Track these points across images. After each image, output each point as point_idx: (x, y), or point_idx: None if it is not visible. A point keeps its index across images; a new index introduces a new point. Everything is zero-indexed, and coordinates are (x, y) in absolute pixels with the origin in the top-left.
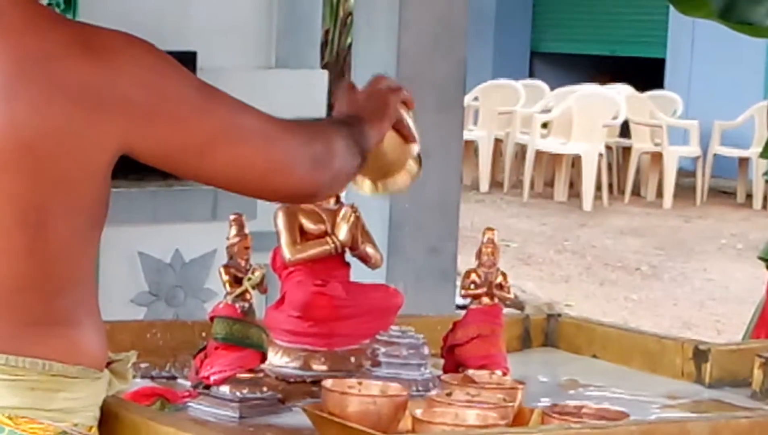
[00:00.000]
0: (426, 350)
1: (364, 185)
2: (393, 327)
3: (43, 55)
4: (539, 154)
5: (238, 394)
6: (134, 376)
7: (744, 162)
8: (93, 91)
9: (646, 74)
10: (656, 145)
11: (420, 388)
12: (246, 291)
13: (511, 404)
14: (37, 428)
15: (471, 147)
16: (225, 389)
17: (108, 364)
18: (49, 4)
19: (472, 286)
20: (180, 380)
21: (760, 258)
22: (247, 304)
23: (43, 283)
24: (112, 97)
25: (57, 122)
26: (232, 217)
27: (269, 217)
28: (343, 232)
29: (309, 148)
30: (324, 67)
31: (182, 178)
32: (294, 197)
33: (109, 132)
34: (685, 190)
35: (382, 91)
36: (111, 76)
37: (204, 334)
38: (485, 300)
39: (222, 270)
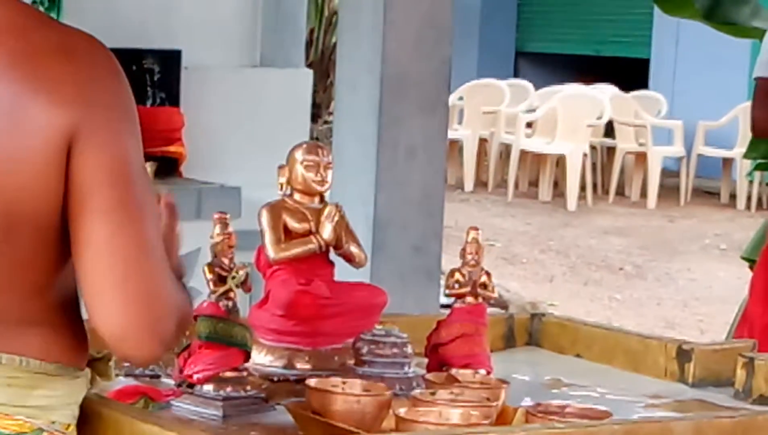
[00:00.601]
0: (410, 349)
1: None
2: (377, 326)
3: (23, 56)
4: (524, 153)
5: (221, 392)
6: (118, 375)
7: (728, 162)
8: (59, 86)
9: (630, 74)
10: (640, 145)
11: (404, 387)
12: (230, 290)
13: (494, 403)
14: (11, 424)
15: (456, 146)
16: (209, 388)
17: (91, 362)
18: (34, 2)
19: (457, 285)
20: (164, 379)
21: (744, 258)
22: (231, 303)
23: (15, 285)
24: (75, 95)
25: (20, 116)
26: (216, 215)
27: (253, 215)
28: (327, 231)
29: (170, 320)
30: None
31: (70, 216)
32: (106, 329)
33: (65, 125)
34: (669, 190)
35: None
36: (84, 80)
37: (188, 333)
38: (469, 299)
39: (206, 269)
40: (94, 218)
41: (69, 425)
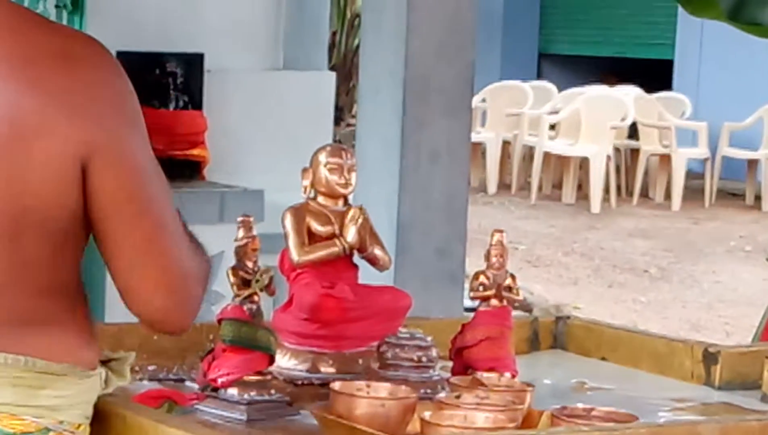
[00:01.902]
0: (434, 352)
1: None
2: (401, 329)
3: (23, 58)
4: (547, 155)
5: (245, 396)
6: (141, 379)
7: (753, 164)
8: (67, 95)
9: (654, 76)
10: (665, 146)
11: (429, 391)
12: (254, 293)
13: (520, 407)
14: (17, 424)
15: (479, 149)
16: (233, 392)
17: (107, 362)
18: (57, 6)
19: (481, 288)
20: (188, 383)
21: None
22: (255, 307)
23: (22, 286)
24: (84, 104)
25: (29, 124)
26: (239, 219)
27: (277, 219)
28: (351, 234)
29: (195, 289)
30: (331, 68)
31: (95, 227)
32: (147, 315)
33: (76, 136)
34: (693, 192)
35: None
36: (89, 86)
37: (212, 337)
38: (494, 302)
39: (230, 272)
40: (120, 228)
41: (80, 425)
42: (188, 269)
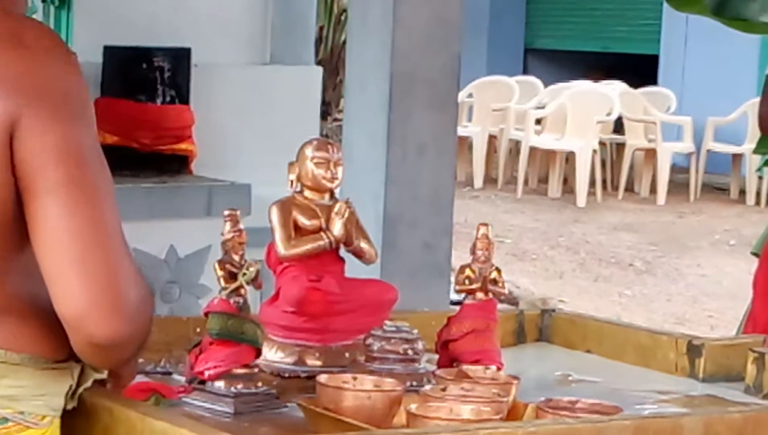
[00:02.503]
0: (420, 345)
1: None
2: (387, 322)
3: None
4: (533, 150)
5: (232, 389)
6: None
7: (737, 158)
8: (6, 76)
9: (639, 71)
10: (650, 141)
11: (414, 383)
12: (241, 286)
13: (505, 399)
14: None
15: (465, 143)
16: (220, 384)
17: None
18: (44, 1)
19: (467, 281)
20: (175, 375)
21: (753, 253)
22: (241, 300)
23: None
24: (20, 81)
25: None
26: (226, 212)
27: (264, 212)
28: (337, 228)
29: (131, 295)
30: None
31: (23, 203)
32: (68, 314)
33: (5, 107)
34: (678, 186)
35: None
36: (33, 67)
37: (199, 330)
38: (479, 295)
39: (217, 266)
40: (44, 198)
41: (44, 416)
42: (122, 269)
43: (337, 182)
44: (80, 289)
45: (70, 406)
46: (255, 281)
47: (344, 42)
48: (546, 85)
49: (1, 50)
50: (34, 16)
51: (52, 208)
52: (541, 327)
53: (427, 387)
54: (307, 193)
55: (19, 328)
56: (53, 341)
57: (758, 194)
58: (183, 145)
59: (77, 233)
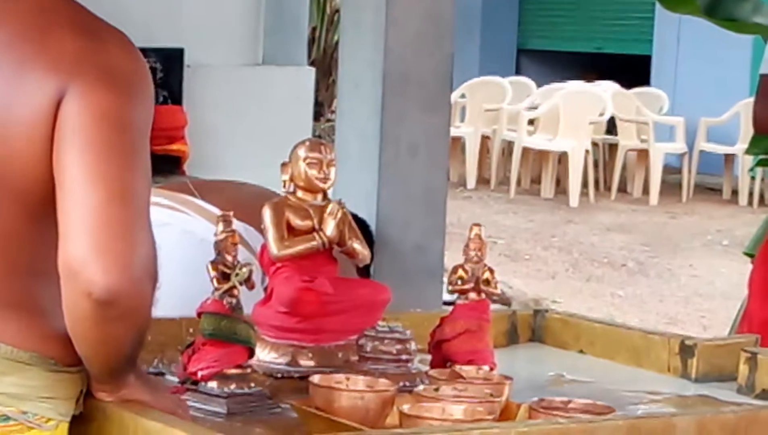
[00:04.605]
0: (413, 346)
1: None
2: (380, 323)
3: (35, 29)
4: (526, 150)
5: (225, 389)
6: None
7: (730, 158)
8: (64, 59)
9: (632, 71)
10: (642, 141)
11: (407, 384)
12: (233, 287)
13: (498, 399)
14: None
15: (458, 144)
16: (213, 385)
17: None
18: None
19: (459, 281)
20: (168, 376)
21: (746, 254)
22: (234, 300)
23: None
24: (75, 62)
25: (19, 92)
26: (219, 213)
27: None
28: (330, 228)
29: (138, 256)
30: (311, 64)
31: (54, 162)
32: (64, 262)
33: (49, 85)
34: (671, 186)
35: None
36: (92, 46)
37: (192, 330)
38: (472, 296)
39: (209, 266)
40: (75, 153)
41: (49, 419)
42: (135, 236)
43: (329, 183)
44: (91, 234)
45: (77, 412)
46: (248, 282)
47: (337, 42)
48: (539, 85)
49: (70, 34)
50: None
51: (81, 161)
52: (534, 327)
53: (420, 387)
54: (299, 193)
55: (29, 326)
56: (63, 343)
57: (750, 194)
58: (176, 146)
59: (100, 185)
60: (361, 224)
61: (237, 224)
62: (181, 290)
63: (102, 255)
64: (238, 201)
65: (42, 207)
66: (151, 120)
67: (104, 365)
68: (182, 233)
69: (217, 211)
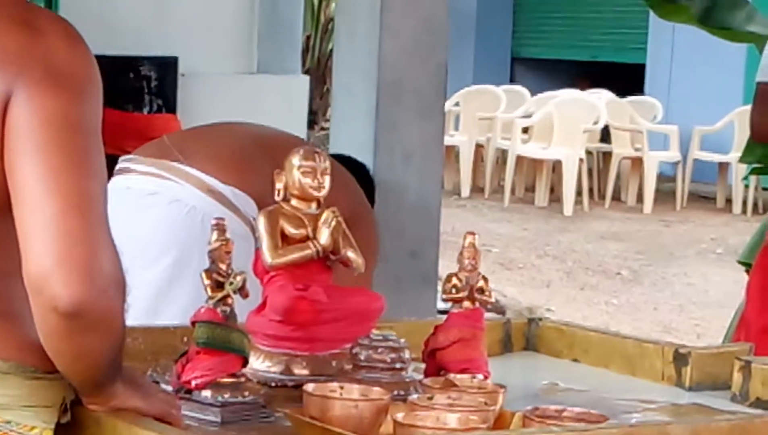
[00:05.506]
0: (407, 354)
1: None
2: (374, 331)
3: None
4: (520, 159)
5: (219, 398)
6: None
7: (724, 167)
8: (8, 57)
9: (626, 80)
10: (636, 150)
11: (401, 392)
12: (227, 295)
13: (492, 408)
14: None
15: (452, 152)
16: (207, 394)
17: None
18: None
19: (453, 290)
20: (162, 385)
21: (740, 262)
22: (228, 309)
23: None
24: (20, 58)
25: None
26: (213, 221)
27: None
28: (324, 237)
29: (102, 263)
30: (305, 72)
31: (7, 168)
32: (27, 274)
33: (3, 78)
34: (665, 194)
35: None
36: (36, 42)
37: (186, 339)
38: (466, 304)
39: (203, 274)
40: (27, 158)
41: (34, 427)
42: (96, 241)
43: (324, 191)
44: (51, 246)
45: (63, 420)
46: (242, 290)
47: (331, 51)
48: (533, 94)
49: (10, 29)
50: None
51: (34, 169)
52: (528, 336)
53: (414, 396)
54: (294, 202)
55: (9, 334)
56: (42, 351)
57: (744, 203)
58: None
59: (56, 194)
60: (360, 167)
61: (224, 188)
62: (173, 263)
63: (64, 267)
64: (224, 157)
65: (3, 209)
66: (101, 113)
67: (84, 378)
68: (170, 202)
69: (204, 178)
